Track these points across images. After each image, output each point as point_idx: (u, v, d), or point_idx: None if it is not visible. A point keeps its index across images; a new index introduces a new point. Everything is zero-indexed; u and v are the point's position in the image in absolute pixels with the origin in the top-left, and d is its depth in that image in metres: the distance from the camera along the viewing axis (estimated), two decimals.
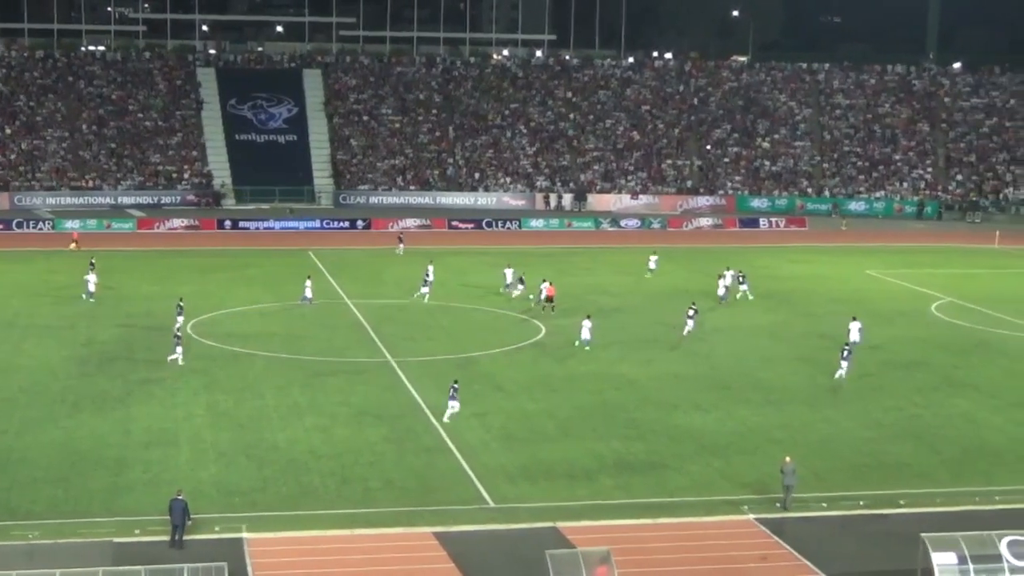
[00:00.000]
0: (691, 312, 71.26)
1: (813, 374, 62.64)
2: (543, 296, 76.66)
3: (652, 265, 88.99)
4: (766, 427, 53.57)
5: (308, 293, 77.54)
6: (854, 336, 67.12)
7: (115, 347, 65.56)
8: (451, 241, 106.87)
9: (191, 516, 39.98)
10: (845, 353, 62.36)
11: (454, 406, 53.61)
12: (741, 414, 55.43)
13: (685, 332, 70.42)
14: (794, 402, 57.57)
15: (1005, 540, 37.20)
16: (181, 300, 71.05)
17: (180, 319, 69.05)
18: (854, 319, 68.74)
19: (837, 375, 61.75)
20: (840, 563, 39.65)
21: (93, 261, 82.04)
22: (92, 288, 77.59)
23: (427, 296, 78.46)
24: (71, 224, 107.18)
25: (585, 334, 67.32)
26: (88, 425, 51.83)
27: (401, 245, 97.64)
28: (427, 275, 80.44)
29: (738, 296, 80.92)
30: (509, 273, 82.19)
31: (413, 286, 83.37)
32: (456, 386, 54.08)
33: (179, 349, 62.21)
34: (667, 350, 67.16)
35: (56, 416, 52.93)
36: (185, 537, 39.79)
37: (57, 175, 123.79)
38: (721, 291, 79.55)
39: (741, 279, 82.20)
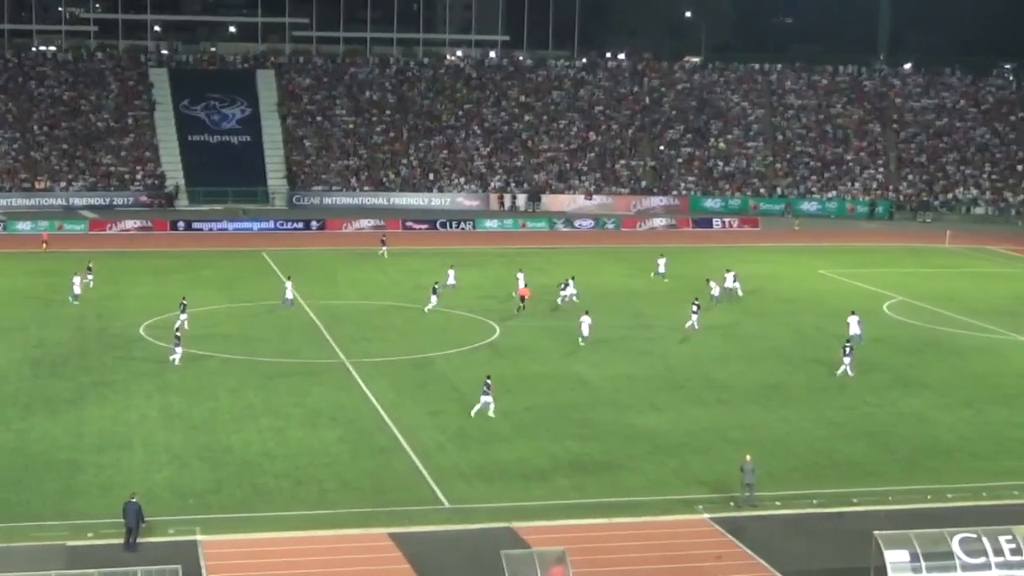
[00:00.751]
0: (694, 308, 72.34)
1: (766, 374, 62.92)
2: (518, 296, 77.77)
3: (661, 268, 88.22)
4: (720, 427, 53.78)
5: (289, 295, 77.18)
6: (854, 329, 68.43)
7: (68, 349, 65.18)
8: (405, 242, 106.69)
9: (145, 519, 39.80)
10: (847, 349, 63.16)
11: (487, 401, 54.23)
12: (695, 414, 55.64)
13: (687, 326, 71.58)
14: (748, 402, 57.82)
15: (957, 537, 37.47)
16: (184, 299, 71.10)
17: (183, 317, 69.13)
18: (852, 312, 70.05)
19: (840, 371, 62.44)
20: (794, 561, 39.86)
21: (91, 265, 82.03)
22: (77, 291, 77.09)
23: (432, 305, 76.38)
24: (44, 224, 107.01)
25: (584, 330, 68.23)
26: (40, 428, 51.51)
27: (384, 248, 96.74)
28: (446, 279, 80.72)
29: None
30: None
31: (368, 287, 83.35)
32: (488, 382, 54.59)
33: (179, 349, 62.17)
34: (621, 350, 67.29)
35: (8, 419, 52.59)
36: (139, 540, 39.59)
37: (8, 176, 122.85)
38: (716, 291, 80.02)
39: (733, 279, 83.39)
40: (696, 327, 71.89)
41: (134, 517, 39.43)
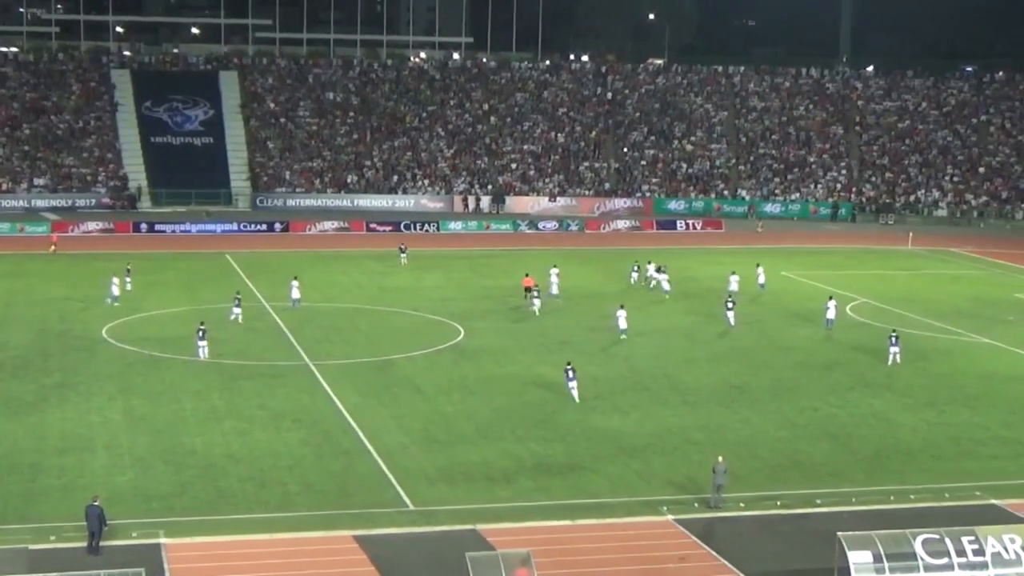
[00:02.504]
0: (729, 304, 74.63)
1: (729, 375, 63.10)
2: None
3: (665, 286, 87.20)
4: (684, 428, 53.91)
5: (296, 294, 77.68)
6: (831, 314, 73.62)
7: (28, 352, 64.81)
8: (369, 244, 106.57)
9: (107, 522, 39.60)
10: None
11: (572, 386, 57.19)
12: (659, 415, 55.75)
13: (732, 323, 74.14)
14: (711, 403, 57.98)
15: (919, 538, 37.66)
16: (238, 293, 73.95)
17: (237, 311, 72.16)
18: (831, 298, 74.57)
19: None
20: (758, 563, 39.99)
21: (129, 267, 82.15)
22: (116, 291, 77.45)
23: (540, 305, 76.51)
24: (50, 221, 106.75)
25: (622, 323, 70.27)
26: (1, 430, 51.20)
27: (403, 255, 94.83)
28: (550, 280, 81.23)
29: (652, 286, 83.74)
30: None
31: (332, 289, 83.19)
32: (570, 368, 57.73)
33: (203, 344, 63.83)
34: (585, 352, 67.36)
35: None
36: (102, 543, 39.40)
37: None
38: (633, 279, 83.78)
39: (660, 269, 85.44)
40: (733, 323, 74.54)
41: (96, 520, 39.24)
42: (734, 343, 70.52)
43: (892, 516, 43.38)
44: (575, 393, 57.18)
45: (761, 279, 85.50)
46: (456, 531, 41.83)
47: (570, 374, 57.65)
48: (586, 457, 49.79)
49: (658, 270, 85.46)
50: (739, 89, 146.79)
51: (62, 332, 69.38)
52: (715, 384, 61.40)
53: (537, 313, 76.31)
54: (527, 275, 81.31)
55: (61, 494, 43.97)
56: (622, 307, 72.06)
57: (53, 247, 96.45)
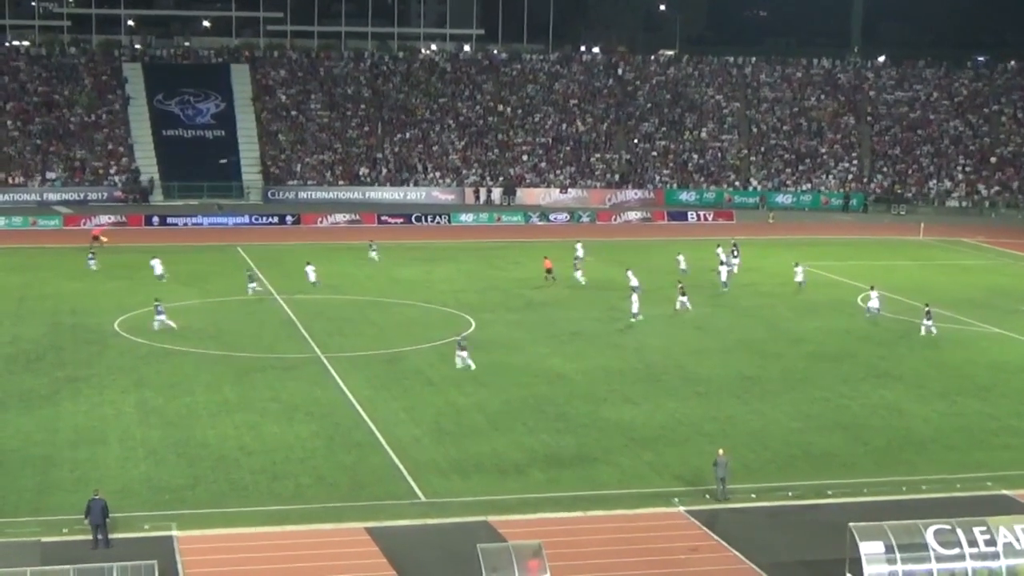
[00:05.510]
0: (680, 290, 76.33)
1: (741, 367, 63.11)
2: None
3: (683, 265, 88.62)
4: (695, 419, 53.94)
5: (312, 277, 80.00)
6: (873, 303, 74.84)
7: (41, 345, 64.99)
8: (381, 236, 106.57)
9: (110, 514, 39.58)
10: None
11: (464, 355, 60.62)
12: (670, 407, 55.78)
13: (678, 308, 75.21)
14: (722, 394, 58.00)
15: (931, 529, 37.64)
16: (249, 270, 77.05)
17: (252, 284, 77.54)
18: (872, 288, 76.02)
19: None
20: (769, 554, 40.02)
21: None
22: (160, 271, 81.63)
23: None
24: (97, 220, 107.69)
25: (635, 307, 72.75)
26: (14, 424, 51.39)
27: (373, 252, 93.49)
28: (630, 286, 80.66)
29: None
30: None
31: (343, 282, 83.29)
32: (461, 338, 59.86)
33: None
34: (596, 344, 67.41)
35: None
36: (114, 536, 39.54)
37: None
38: (724, 276, 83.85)
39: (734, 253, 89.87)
40: (688, 307, 75.06)
41: (100, 514, 39.31)
42: (745, 334, 70.50)
43: (903, 507, 43.37)
44: (463, 363, 60.74)
45: (799, 277, 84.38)
46: (467, 523, 41.92)
47: (462, 344, 61.61)
48: (597, 449, 49.85)
49: (731, 255, 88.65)
50: (750, 80, 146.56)
51: (74, 325, 69.53)
52: (727, 375, 61.40)
53: (583, 282, 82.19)
54: (546, 257, 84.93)
55: (74, 487, 44.10)
56: (634, 291, 73.57)
57: (104, 239, 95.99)
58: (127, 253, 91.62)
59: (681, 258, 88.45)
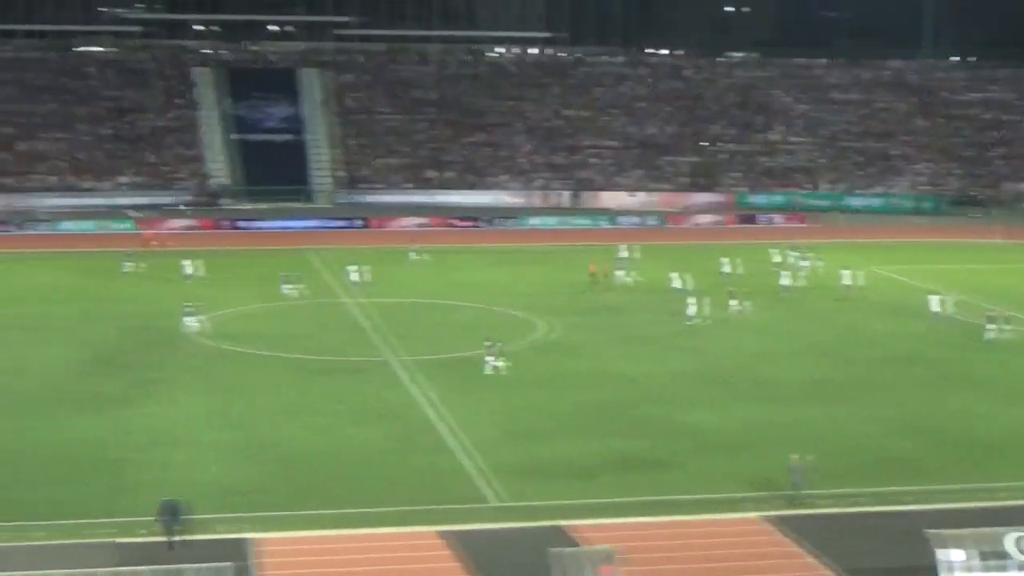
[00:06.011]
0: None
1: (813, 370, 62.54)
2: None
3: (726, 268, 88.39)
4: (767, 424, 53.43)
5: (354, 277, 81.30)
6: (934, 308, 73.57)
7: (113, 348, 65.49)
8: (450, 240, 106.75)
9: (183, 517, 39.71)
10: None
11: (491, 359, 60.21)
12: (742, 411, 55.31)
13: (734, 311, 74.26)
14: (795, 399, 57.47)
15: (1011, 536, 37.04)
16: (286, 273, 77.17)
17: (288, 287, 77.60)
18: (935, 293, 74.75)
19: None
20: (845, 560, 39.45)
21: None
22: (189, 271, 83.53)
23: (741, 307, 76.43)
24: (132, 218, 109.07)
25: (691, 310, 72.61)
26: (88, 426, 51.74)
27: (414, 254, 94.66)
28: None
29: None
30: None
31: (412, 285, 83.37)
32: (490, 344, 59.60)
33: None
34: (666, 347, 67.06)
35: (57, 417, 52.85)
36: (188, 538, 39.63)
37: (55, 176, 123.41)
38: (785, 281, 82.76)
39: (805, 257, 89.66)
40: (741, 310, 74.69)
41: (172, 515, 39.45)
42: (815, 338, 69.91)
43: (982, 513, 42.66)
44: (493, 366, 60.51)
45: (847, 280, 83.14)
46: (539, 527, 41.63)
47: (492, 349, 60.89)
48: (669, 453, 49.49)
49: (800, 259, 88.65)
50: (821, 81, 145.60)
51: (146, 328, 69.94)
52: (797, 379, 60.85)
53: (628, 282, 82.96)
54: (591, 262, 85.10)
55: (147, 489, 44.20)
56: (692, 295, 73.27)
57: (154, 243, 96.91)
58: (198, 257, 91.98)
59: (725, 261, 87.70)
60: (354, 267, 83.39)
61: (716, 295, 76.33)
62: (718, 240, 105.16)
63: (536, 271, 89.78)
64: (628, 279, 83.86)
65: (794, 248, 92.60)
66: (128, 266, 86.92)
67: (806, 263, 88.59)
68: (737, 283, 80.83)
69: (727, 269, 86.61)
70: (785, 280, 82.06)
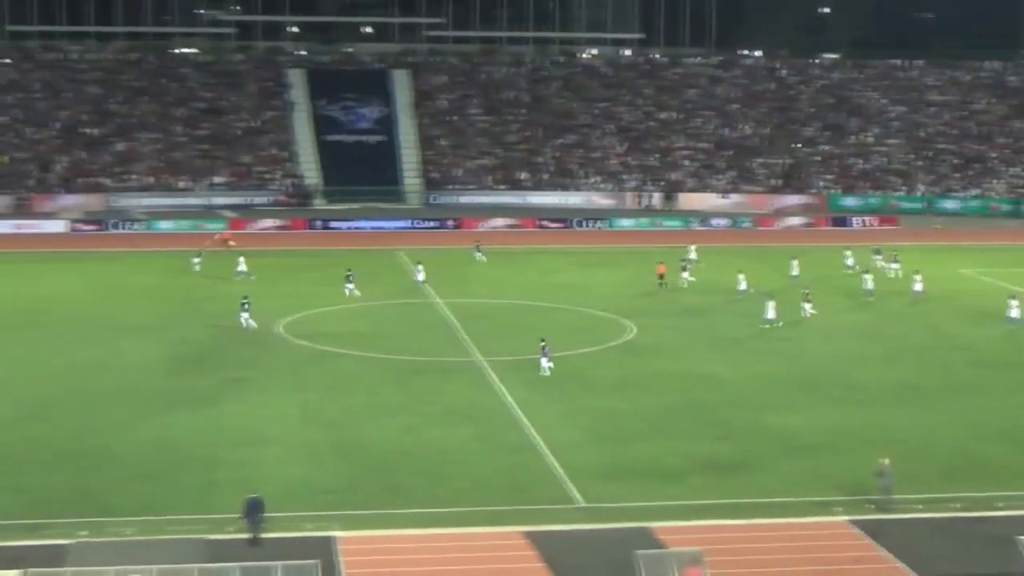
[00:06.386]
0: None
1: (904, 374, 61.93)
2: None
3: (795, 271, 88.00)
4: (857, 427, 53.00)
5: (420, 276, 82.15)
6: (1014, 313, 71.85)
7: (207, 346, 66.20)
8: (540, 241, 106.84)
9: (264, 513, 40.07)
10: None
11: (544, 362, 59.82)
12: (831, 414, 54.90)
13: (805, 316, 73.70)
14: (885, 402, 56.94)
15: None
16: (349, 270, 78.06)
17: (350, 286, 77.76)
18: (1013, 297, 72.96)
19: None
20: (935, 566, 39.10)
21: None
22: (243, 268, 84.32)
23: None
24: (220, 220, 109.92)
25: (770, 313, 71.45)
26: (181, 423, 52.35)
27: (479, 254, 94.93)
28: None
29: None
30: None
31: (502, 286, 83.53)
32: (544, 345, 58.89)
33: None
34: (756, 350, 66.70)
35: (149, 414, 53.53)
36: (276, 535, 40.02)
37: (150, 176, 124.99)
38: (870, 285, 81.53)
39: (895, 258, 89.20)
40: (812, 313, 73.75)
41: (255, 511, 39.83)
42: (908, 341, 69.22)
43: None
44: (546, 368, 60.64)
45: (917, 286, 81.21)
46: (626, 528, 41.61)
47: (545, 349, 61.02)
48: (757, 456, 49.24)
49: (890, 261, 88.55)
50: (916, 83, 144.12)
51: (238, 327, 70.60)
52: (889, 383, 60.28)
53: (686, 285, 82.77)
54: (660, 263, 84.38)
55: (238, 486, 44.51)
56: (771, 296, 72.51)
57: (231, 242, 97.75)
58: (289, 257, 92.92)
59: (794, 263, 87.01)
60: (419, 266, 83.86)
61: (789, 297, 75.83)
62: (810, 242, 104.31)
63: (624, 273, 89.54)
64: (690, 280, 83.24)
65: (877, 251, 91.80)
66: (196, 264, 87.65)
67: (896, 265, 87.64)
68: (814, 286, 79.98)
69: (795, 272, 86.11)
70: (869, 284, 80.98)
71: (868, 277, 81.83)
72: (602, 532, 41.58)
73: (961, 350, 67.19)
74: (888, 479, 43.47)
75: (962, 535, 41.76)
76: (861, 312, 76.40)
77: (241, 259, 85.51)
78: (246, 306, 70.41)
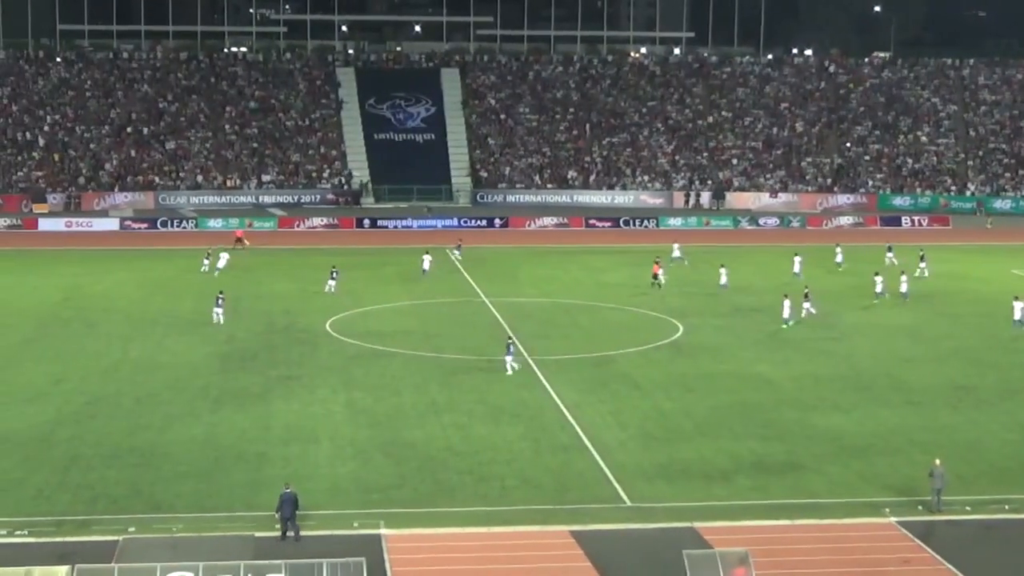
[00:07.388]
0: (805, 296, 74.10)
1: (955, 375, 61.50)
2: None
3: (839, 258, 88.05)
4: (907, 429, 52.68)
5: (426, 266, 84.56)
6: (1017, 315, 70.82)
7: (255, 344, 66.48)
8: (588, 240, 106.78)
9: (298, 510, 40.20)
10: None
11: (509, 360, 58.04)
12: (881, 415, 54.58)
13: (804, 315, 72.69)
14: (936, 404, 56.54)
15: None
16: (334, 267, 79.16)
17: (331, 283, 78.48)
18: (1016, 298, 72.22)
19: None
20: (984, 568, 38.83)
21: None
22: (222, 264, 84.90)
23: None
24: (224, 222, 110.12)
25: (785, 312, 71.38)
26: (229, 421, 52.59)
27: (458, 251, 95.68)
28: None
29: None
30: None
31: (550, 285, 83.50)
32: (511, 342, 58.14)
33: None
34: (805, 350, 66.40)
35: (198, 412, 53.81)
36: (323, 533, 40.16)
37: (201, 174, 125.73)
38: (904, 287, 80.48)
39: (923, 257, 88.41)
40: (813, 312, 72.99)
41: (290, 507, 39.96)
42: (959, 342, 68.75)
43: None
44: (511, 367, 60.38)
45: (903, 287, 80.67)
46: (673, 528, 41.54)
47: (510, 348, 61.11)
48: (805, 456, 49.02)
49: (919, 261, 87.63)
50: (968, 82, 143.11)
51: (287, 326, 70.94)
52: (939, 384, 59.87)
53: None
54: (656, 262, 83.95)
55: (286, 483, 44.79)
56: (787, 296, 72.22)
57: (246, 242, 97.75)
58: (338, 255, 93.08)
59: (797, 259, 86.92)
60: (428, 256, 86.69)
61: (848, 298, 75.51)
62: (860, 242, 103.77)
63: (676, 273, 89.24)
64: (664, 279, 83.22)
65: (889, 248, 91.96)
66: (206, 266, 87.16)
67: (923, 264, 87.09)
68: (859, 286, 79.53)
69: (797, 269, 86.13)
70: (904, 286, 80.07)
71: (903, 278, 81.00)
72: (649, 532, 41.50)
73: (1014, 351, 66.66)
74: (939, 480, 43.17)
75: (1012, 538, 41.46)
76: (910, 312, 75.87)
77: (224, 255, 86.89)
78: (220, 301, 71.25)
